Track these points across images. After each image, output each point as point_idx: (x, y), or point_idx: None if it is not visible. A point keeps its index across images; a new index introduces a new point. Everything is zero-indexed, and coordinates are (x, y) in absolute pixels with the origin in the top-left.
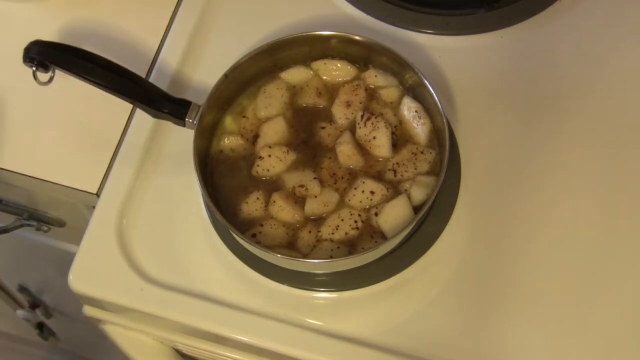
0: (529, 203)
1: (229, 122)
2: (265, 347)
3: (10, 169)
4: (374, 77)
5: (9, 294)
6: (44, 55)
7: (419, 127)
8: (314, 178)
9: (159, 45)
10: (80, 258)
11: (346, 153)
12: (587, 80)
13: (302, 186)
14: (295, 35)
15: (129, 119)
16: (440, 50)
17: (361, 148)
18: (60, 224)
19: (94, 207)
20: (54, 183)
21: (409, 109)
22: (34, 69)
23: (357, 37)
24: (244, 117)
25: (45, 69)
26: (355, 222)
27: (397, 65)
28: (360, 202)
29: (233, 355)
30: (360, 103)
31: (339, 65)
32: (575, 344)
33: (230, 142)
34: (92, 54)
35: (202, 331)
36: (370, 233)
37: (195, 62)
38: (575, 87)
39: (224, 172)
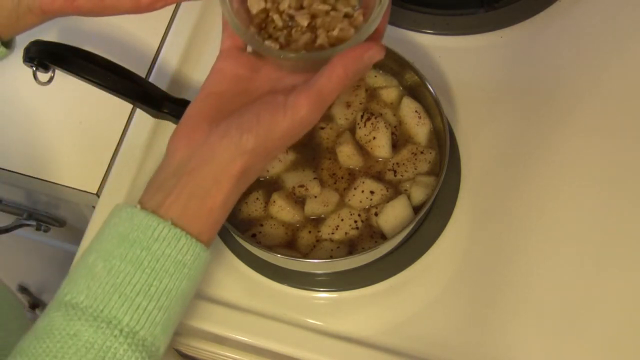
0: (529, 203)
1: None
2: (265, 347)
3: (10, 169)
4: (374, 77)
5: None
6: (44, 55)
7: (419, 127)
8: (314, 178)
9: (159, 45)
10: None
11: (346, 153)
12: (587, 80)
13: (302, 186)
14: None
15: (129, 119)
16: (440, 50)
17: (361, 148)
18: (61, 224)
19: (94, 207)
20: (54, 183)
21: (408, 109)
22: (34, 69)
23: None
24: None
25: (45, 69)
26: (355, 222)
27: (397, 65)
28: (360, 202)
29: (233, 355)
30: (360, 103)
31: None
32: (575, 344)
33: None
34: (92, 54)
35: (202, 331)
36: (370, 233)
37: (195, 62)
38: (575, 87)
39: None
